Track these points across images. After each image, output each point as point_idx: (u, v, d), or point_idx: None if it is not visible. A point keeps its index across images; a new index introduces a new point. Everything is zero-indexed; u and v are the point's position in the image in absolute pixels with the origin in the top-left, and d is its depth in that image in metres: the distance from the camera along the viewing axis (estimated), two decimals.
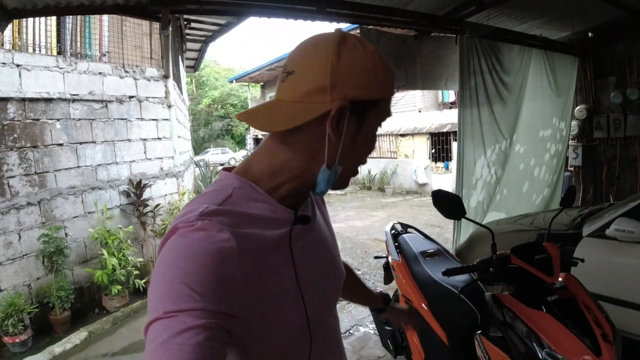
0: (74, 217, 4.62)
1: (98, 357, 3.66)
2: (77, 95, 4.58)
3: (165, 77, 5.81)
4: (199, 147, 28.45)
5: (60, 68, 4.34)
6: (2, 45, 4.02)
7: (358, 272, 5.70)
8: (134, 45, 5.27)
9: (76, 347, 3.81)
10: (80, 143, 4.71)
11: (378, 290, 1.37)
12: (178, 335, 0.51)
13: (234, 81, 23.82)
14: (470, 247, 3.57)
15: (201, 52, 10.00)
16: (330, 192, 0.74)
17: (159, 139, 5.87)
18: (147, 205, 5.41)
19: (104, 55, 5.17)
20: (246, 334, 0.64)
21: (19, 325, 3.67)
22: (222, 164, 24.88)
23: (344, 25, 3.98)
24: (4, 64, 3.75)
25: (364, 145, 0.72)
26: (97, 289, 4.70)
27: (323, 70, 0.64)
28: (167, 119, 5.97)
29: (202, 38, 8.98)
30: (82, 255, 4.71)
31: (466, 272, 1.77)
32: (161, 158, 5.92)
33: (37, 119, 4.17)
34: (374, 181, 14.06)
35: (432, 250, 2.52)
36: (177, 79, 8.02)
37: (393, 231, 2.87)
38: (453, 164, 11.04)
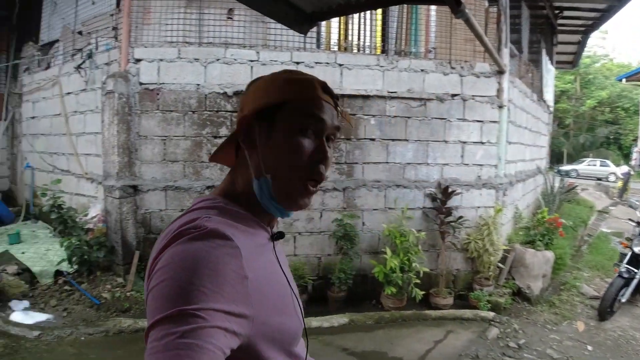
0: (373, 209, 4.87)
1: (338, 349, 3.71)
2: (395, 92, 4.70)
3: (500, 72, 5.04)
4: (576, 154, 25.30)
5: (381, 66, 4.56)
6: (329, 47, 4.63)
7: None
8: (465, 39, 4.81)
9: (332, 329, 4.04)
10: (392, 140, 4.85)
11: None
12: (190, 334, 0.53)
13: (624, 79, 19.86)
14: None
15: (580, 44, 8.27)
16: None
17: (482, 143, 5.21)
18: (450, 214, 5.00)
19: (430, 51, 5.02)
20: (253, 335, 0.65)
21: None
22: (598, 179, 19.64)
23: None
24: (328, 63, 4.32)
25: (285, 151, 0.75)
26: (378, 282, 4.81)
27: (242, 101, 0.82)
28: (495, 121, 5.21)
29: (581, 28, 7.38)
30: (374, 246, 4.91)
31: None
32: (481, 165, 5.26)
33: (354, 114, 4.59)
34: None
35: None
36: (534, 76, 6.90)
37: None
38: None
